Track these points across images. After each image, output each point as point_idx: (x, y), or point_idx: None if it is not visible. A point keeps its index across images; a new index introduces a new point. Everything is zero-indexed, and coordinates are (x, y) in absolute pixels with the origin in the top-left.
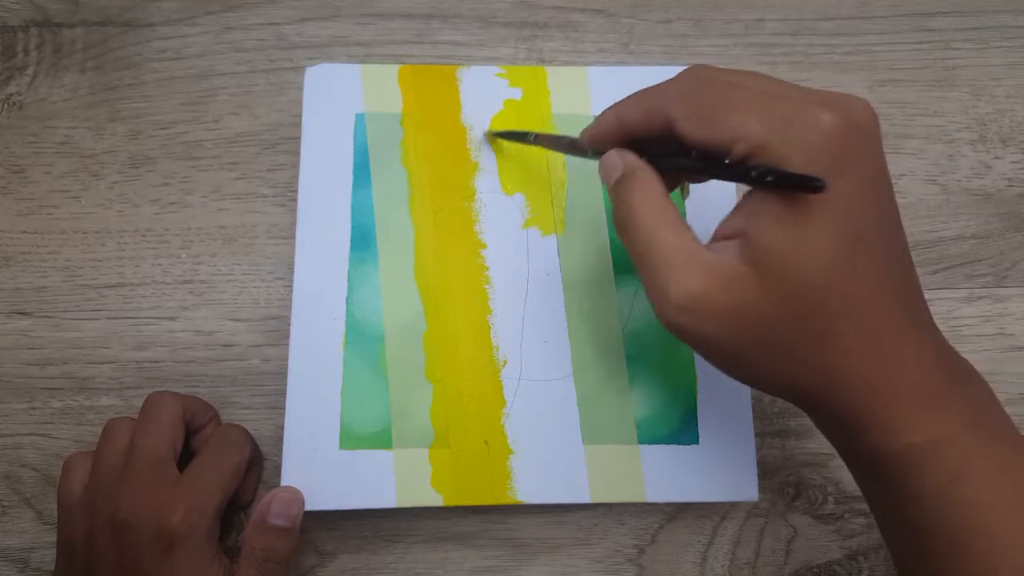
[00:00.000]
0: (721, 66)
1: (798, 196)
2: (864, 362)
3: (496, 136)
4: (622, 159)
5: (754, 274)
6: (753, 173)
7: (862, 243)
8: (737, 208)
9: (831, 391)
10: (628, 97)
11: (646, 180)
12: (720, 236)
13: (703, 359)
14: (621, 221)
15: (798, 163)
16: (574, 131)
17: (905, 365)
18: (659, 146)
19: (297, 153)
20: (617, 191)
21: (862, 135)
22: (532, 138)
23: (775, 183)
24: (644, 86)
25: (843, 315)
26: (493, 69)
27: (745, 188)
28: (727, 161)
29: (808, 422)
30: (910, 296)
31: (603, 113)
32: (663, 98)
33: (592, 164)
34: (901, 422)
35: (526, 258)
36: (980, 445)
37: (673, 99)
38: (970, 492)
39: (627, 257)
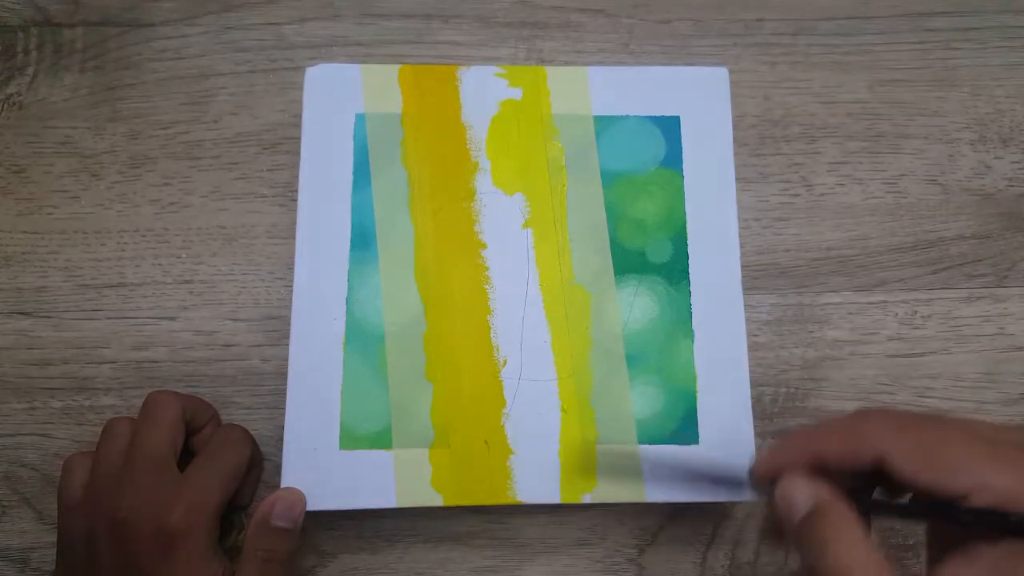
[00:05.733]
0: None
1: None
2: None
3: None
4: (812, 491)
5: None
6: (1014, 518)
7: None
8: (962, 562)
9: None
10: (819, 428)
11: (846, 522)
12: None
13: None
14: (814, 571)
15: None
16: (574, 131)
17: None
18: (850, 480)
19: (297, 153)
20: (805, 533)
21: None
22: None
23: None
24: (644, 86)
25: None
26: (493, 69)
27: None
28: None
29: (807, 422)
30: None
31: (784, 443)
32: (873, 430)
33: (592, 164)
34: None
35: (526, 258)
36: None
37: (888, 433)
38: None
39: (627, 257)
